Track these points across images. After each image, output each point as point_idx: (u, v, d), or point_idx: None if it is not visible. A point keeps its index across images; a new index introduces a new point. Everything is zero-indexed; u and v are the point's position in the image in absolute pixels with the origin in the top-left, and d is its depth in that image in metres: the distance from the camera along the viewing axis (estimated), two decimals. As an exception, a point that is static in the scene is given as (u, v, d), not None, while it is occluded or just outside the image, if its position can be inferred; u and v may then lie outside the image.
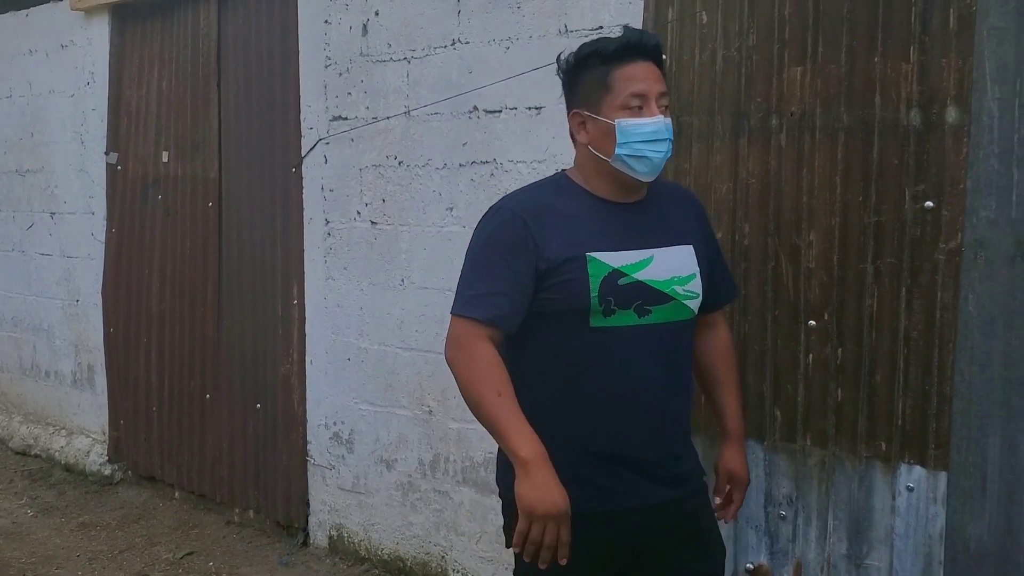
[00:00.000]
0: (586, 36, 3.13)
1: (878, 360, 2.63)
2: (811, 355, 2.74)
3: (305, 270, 4.14)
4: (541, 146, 3.30)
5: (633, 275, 2.03)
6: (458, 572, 3.70)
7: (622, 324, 2.04)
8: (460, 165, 3.54)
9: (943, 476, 2.56)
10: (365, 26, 3.81)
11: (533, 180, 3.27)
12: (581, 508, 1.99)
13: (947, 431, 2.54)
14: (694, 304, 2.16)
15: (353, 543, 4.08)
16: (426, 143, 3.64)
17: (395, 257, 3.77)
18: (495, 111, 3.42)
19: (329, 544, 4.17)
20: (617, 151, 2.01)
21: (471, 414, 2.04)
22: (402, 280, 3.76)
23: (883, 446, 2.65)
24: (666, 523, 2.15)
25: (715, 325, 2.40)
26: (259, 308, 4.40)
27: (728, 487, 2.43)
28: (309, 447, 4.24)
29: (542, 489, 1.91)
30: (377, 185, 3.82)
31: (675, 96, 2.93)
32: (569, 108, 2.13)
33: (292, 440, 4.30)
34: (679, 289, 2.10)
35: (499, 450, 2.10)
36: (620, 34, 2.07)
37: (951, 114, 2.48)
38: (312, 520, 4.25)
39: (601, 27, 3.11)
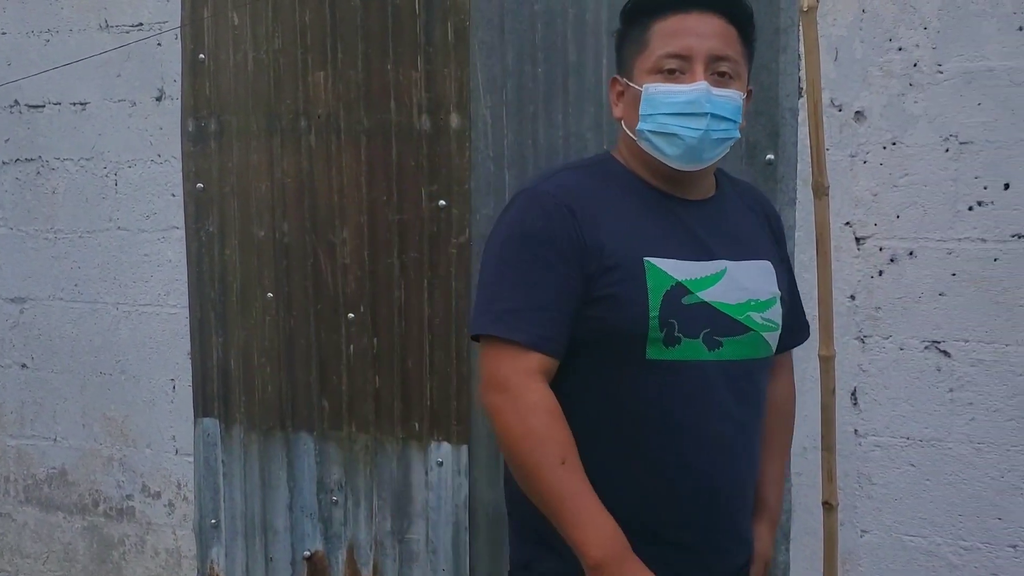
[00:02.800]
0: (127, 32, 3.06)
1: (409, 347, 2.83)
2: (352, 346, 2.88)
3: None
4: (88, 143, 3.17)
5: (699, 294, 1.48)
6: (28, 595, 3.49)
7: (687, 359, 1.47)
8: (3, 163, 3.31)
9: (465, 449, 2.80)
10: None
11: (82, 179, 3.21)
12: None
13: (467, 408, 2.78)
14: (773, 338, 1.58)
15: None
16: (-34, 139, 3.36)
17: (-62, 263, 3.46)
18: (38, 106, 3.24)
19: None
20: (640, 125, 1.50)
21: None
22: (-53, 288, 3.46)
23: (416, 426, 2.85)
24: None
25: (775, 371, 1.70)
26: None
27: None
28: None
29: None
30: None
31: (215, 95, 2.94)
32: (613, 74, 1.64)
33: None
34: (756, 317, 1.53)
35: (512, 488, 1.54)
36: None
37: (454, 120, 2.70)
38: None
39: (141, 23, 3.04)
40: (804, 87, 2.39)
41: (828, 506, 2.07)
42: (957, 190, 2.28)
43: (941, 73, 2.27)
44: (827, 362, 1.96)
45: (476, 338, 1.48)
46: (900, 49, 2.30)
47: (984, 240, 2.27)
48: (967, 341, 2.30)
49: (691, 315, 1.46)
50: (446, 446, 2.82)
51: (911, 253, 2.33)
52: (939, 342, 2.32)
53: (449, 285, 2.76)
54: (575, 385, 1.47)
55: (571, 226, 1.44)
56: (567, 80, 2.58)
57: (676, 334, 1.45)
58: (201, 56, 2.94)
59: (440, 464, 2.83)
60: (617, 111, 1.58)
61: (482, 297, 1.49)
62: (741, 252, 1.55)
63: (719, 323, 1.48)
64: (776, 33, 2.39)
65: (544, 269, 1.44)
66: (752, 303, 1.52)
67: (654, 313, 1.43)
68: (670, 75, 1.48)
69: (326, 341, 2.91)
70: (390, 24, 2.72)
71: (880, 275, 2.36)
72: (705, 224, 1.54)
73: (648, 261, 1.45)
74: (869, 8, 2.32)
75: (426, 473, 2.86)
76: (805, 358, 2.47)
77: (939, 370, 2.33)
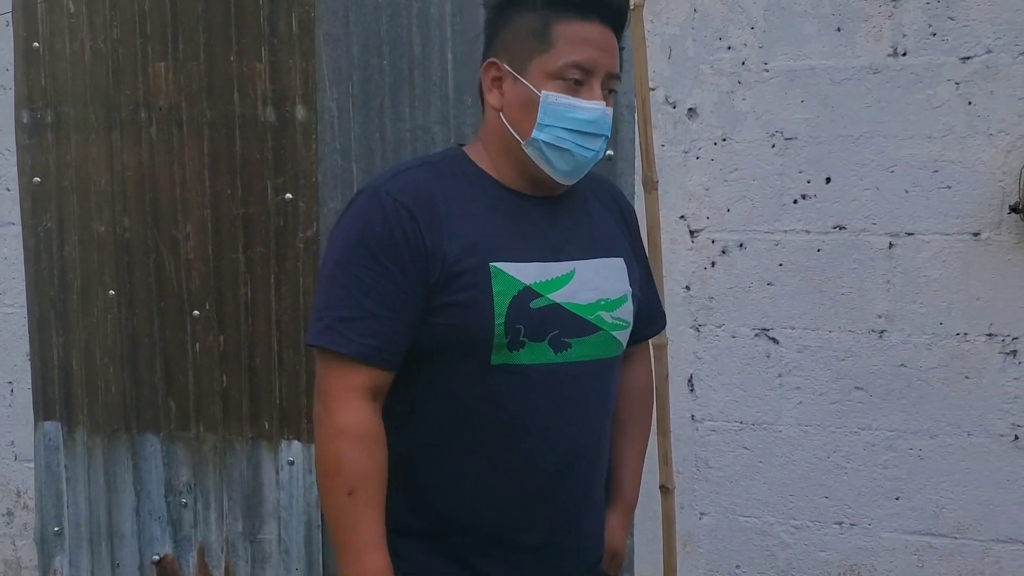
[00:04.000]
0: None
1: (257, 345, 2.77)
2: (197, 344, 2.81)
3: None
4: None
5: (549, 296, 1.43)
6: None
7: (532, 362, 1.43)
8: None
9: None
10: None
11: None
12: None
13: (317, 405, 2.75)
14: (623, 336, 1.55)
15: None
16: None
17: None
18: None
19: None
20: (535, 133, 1.42)
21: None
22: None
23: (266, 425, 2.80)
24: None
25: (632, 360, 1.69)
26: None
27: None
28: None
29: None
30: None
31: (51, 85, 2.83)
32: (485, 55, 1.48)
33: None
34: (606, 316, 1.50)
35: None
36: None
37: (300, 112, 2.67)
38: None
39: (-29, 8, 2.90)
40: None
41: (665, 490, 2.14)
42: (783, 184, 2.37)
43: (767, 71, 2.36)
44: (660, 350, 2.03)
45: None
46: (730, 48, 2.38)
47: (808, 232, 2.37)
48: (794, 328, 2.40)
49: (539, 318, 1.42)
50: (297, 444, 2.78)
51: (741, 245, 2.41)
52: (768, 329, 2.42)
53: (297, 280, 2.72)
54: (421, 391, 1.43)
55: (411, 230, 1.37)
56: (413, 73, 2.58)
57: (521, 338, 1.41)
58: (35, 44, 2.81)
59: (291, 463, 2.79)
60: (494, 99, 1.45)
61: (317, 303, 1.41)
62: (592, 250, 1.51)
63: (568, 324, 1.45)
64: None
65: (381, 275, 1.37)
66: (602, 302, 1.49)
67: (500, 320, 1.39)
68: (572, 85, 1.40)
69: (171, 339, 2.83)
70: (233, 15, 2.67)
71: (713, 266, 2.44)
72: (555, 223, 1.49)
73: (495, 266, 1.40)
74: (700, 7, 2.40)
75: (277, 472, 2.81)
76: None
77: (768, 356, 2.42)
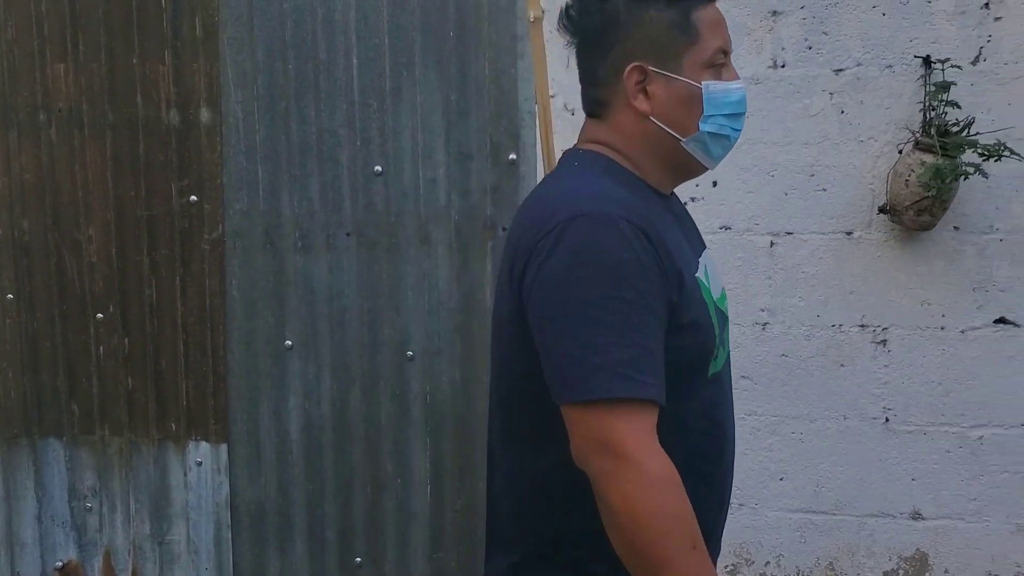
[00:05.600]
0: None
1: (162, 347, 2.78)
2: (101, 347, 2.80)
3: None
4: None
5: (713, 296, 1.38)
6: None
7: (720, 367, 1.38)
8: None
9: (224, 448, 2.79)
10: None
11: None
12: None
13: (225, 406, 2.77)
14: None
15: None
16: None
17: None
18: None
19: None
20: (702, 126, 1.35)
21: None
22: None
23: (173, 427, 2.81)
24: None
25: None
26: None
27: None
28: None
29: None
30: None
31: (-58, 86, 2.77)
32: (618, 59, 1.34)
33: None
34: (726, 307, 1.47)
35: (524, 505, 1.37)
36: None
37: (204, 115, 2.68)
38: None
39: None
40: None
41: None
42: (674, 186, 2.52)
43: (658, 80, 2.50)
44: None
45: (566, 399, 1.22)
46: (623, 57, 2.51)
47: (698, 231, 2.52)
48: (686, 323, 2.55)
49: (719, 321, 1.37)
50: (205, 445, 2.80)
51: (637, 244, 2.55)
52: (663, 324, 2.56)
53: (203, 282, 2.74)
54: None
55: (652, 253, 1.23)
56: (318, 77, 2.63)
57: (718, 344, 1.35)
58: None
59: (199, 464, 2.81)
60: (643, 105, 1.33)
61: (575, 351, 1.19)
62: (700, 245, 1.47)
63: (724, 322, 1.40)
64: (514, 39, 2.55)
65: (642, 307, 1.21)
66: (723, 296, 1.43)
67: (717, 331, 1.34)
68: (719, 70, 1.34)
69: (74, 343, 2.81)
70: (135, 17, 2.66)
71: (611, 264, 2.57)
72: (679, 220, 1.43)
73: (698, 278, 1.33)
74: (595, 19, 2.52)
75: (185, 474, 2.82)
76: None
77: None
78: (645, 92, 1.33)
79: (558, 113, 2.55)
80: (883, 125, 2.41)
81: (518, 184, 2.59)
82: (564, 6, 1.39)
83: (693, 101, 1.33)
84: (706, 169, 1.40)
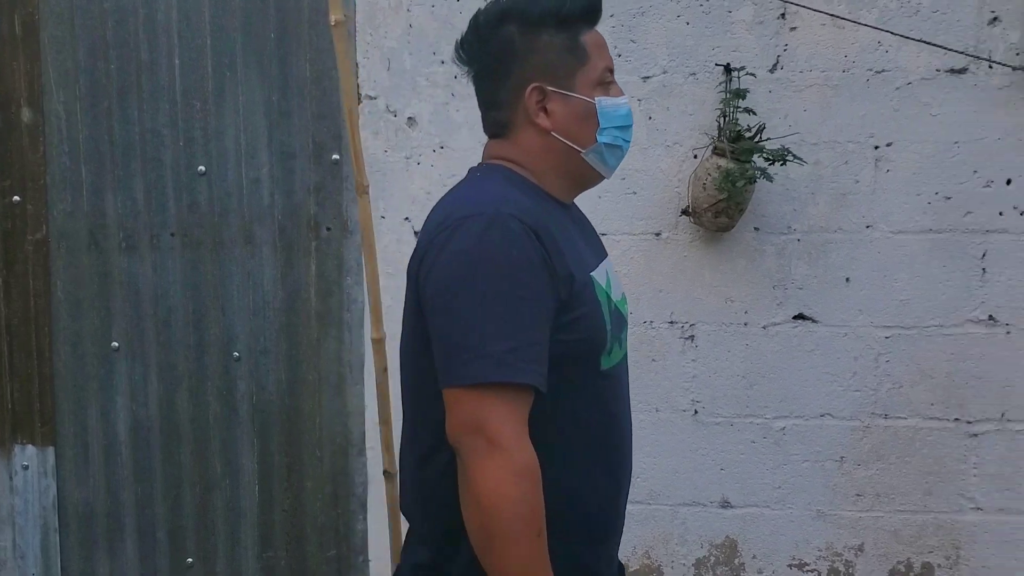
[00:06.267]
0: None
1: (-14, 349, 2.73)
2: (-78, 350, 2.74)
3: None
4: None
5: (612, 297, 1.49)
6: None
7: (616, 363, 1.47)
8: None
9: (51, 451, 2.75)
10: None
11: None
12: None
13: (51, 408, 2.74)
14: None
15: None
16: None
17: None
18: None
19: None
20: (599, 138, 1.47)
21: None
22: None
23: (-2, 431, 2.76)
24: None
25: None
26: None
27: None
28: None
29: None
30: None
31: None
32: (518, 82, 1.45)
33: None
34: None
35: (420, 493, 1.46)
36: None
37: (26, 114, 2.65)
38: None
39: None
40: (361, 94, 2.60)
41: (388, 474, 2.29)
42: (494, 188, 2.58)
43: (477, 84, 2.56)
44: (378, 344, 2.17)
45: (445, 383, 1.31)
46: (443, 62, 2.56)
47: (517, 232, 2.59)
48: (507, 321, 2.61)
49: (615, 319, 1.47)
50: (31, 448, 2.76)
51: (459, 244, 2.60)
52: (485, 322, 2.62)
53: (27, 283, 2.70)
54: (539, 412, 1.35)
55: (542, 252, 1.33)
56: (141, 77, 2.62)
57: (611, 341, 1.44)
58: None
59: (25, 467, 2.77)
60: (544, 122, 1.45)
61: (465, 339, 1.29)
62: (602, 251, 1.58)
63: (621, 322, 1.50)
64: (332, 41, 2.57)
65: (529, 300, 1.31)
66: (623, 299, 1.54)
67: (608, 327, 1.43)
68: (607, 87, 1.48)
69: None
70: (-52, 14, 2.62)
71: (434, 264, 2.62)
72: (580, 228, 1.54)
73: (593, 278, 1.43)
74: (415, 24, 2.57)
75: (11, 478, 2.78)
76: (360, 342, 2.69)
77: (486, 347, 2.62)
78: (545, 110, 1.44)
79: (380, 115, 2.59)
80: (687, 131, 2.51)
81: (341, 184, 2.62)
82: (458, 39, 1.51)
83: (589, 116, 1.45)
84: (603, 178, 1.52)
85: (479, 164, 1.54)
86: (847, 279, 2.50)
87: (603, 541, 1.48)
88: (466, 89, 2.58)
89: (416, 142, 2.60)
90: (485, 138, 2.57)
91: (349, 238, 2.63)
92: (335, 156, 2.61)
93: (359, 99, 2.59)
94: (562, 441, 1.36)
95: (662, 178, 2.53)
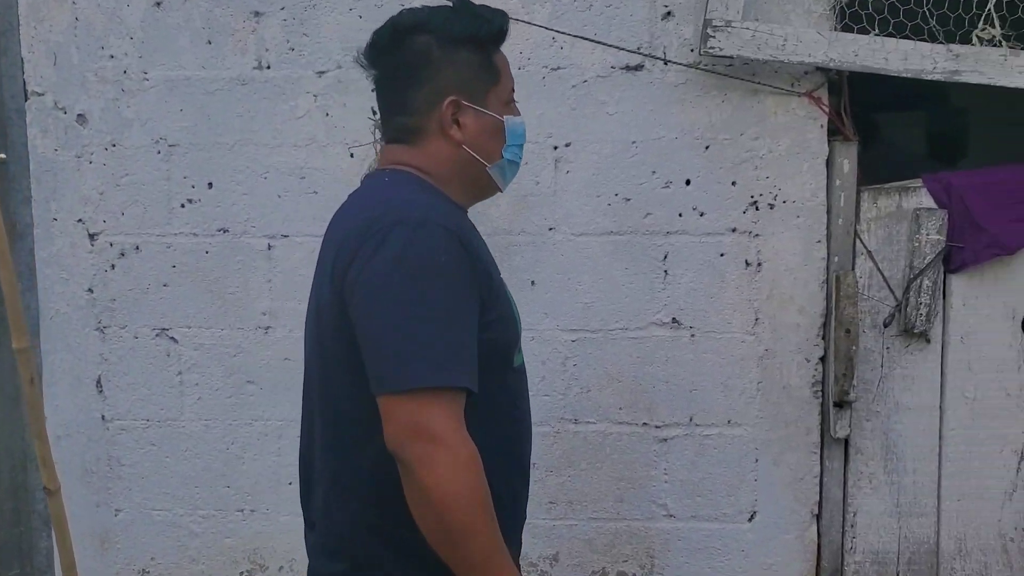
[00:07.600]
0: None
1: None
2: None
3: None
4: None
5: (514, 303, 1.57)
6: None
7: (522, 361, 1.57)
8: None
9: None
10: None
11: None
12: None
13: None
14: None
15: None
16: None
17: None
18: None
19: None
20: (505, 154, 1.55)
21: None
22: None
23: None
24: None
25: None
26: None
27: None
28: None
29: None
30: None
31: None
32: (433, 93, 1.49)
33: None
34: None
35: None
36: (485, 11, 1.53)
37: None
38: None
39: None
40: (28, 90, 2.47)
41: (48, 491, 2.16)
42: (170, 188, 2.47)
43: (148, 80, 2.44)
44: (23, 354, 2.04)
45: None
46: (112, 57, 2.44)
47: (196, 234, 2.48)
48: (190, 327, 2.50)
49: (519, 322, 1.56)
50: None
51: (137, 248, 2.49)
52: (167, 329, 2.51)
53: None
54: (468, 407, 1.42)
55: (465, 256, 1.39)
56: None
57: (519, 342, 1.55)
58: None
59: None
60: (457, 134, 1.51)
61: (398, 344, 1.33)
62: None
63: (520, 327, 1.59)
64: (-3, 36, 2.44)
65: (459, 303, 1.37)
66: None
67: (520, 327, 1.55)
68: (511, 106, 1.57)
69: None
70: None
71: (113, 268, 2.50)
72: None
73: (500, 279, 1.51)
74: (82, 16, 2.44)
75: None
76: (52, 350, 2.55)
77: (169, 355, 2.51)
78: (458, 123, 1.51)
79: (48, 112, 2.46)
80: (367, 128, 2.41)
81: (9, 184, 2.49)
82: (368, 42, 1.54)
83: (497, 132, 1.54)
84: (499, 191, 1.59)
85: (380, 168, 1.56)
86: (532, 282, 2.43)
87: (517, 530, 1.56)
88: (136, 85, 2.47)
89: (87, 140, 2.47)
90: (157, 136, 2.47)
91: None
92: (2, 156, 2.47)
93: (24, 95, 2.46)
94: (481, 435, 1.38)
95: (343, 177, 2.43)
